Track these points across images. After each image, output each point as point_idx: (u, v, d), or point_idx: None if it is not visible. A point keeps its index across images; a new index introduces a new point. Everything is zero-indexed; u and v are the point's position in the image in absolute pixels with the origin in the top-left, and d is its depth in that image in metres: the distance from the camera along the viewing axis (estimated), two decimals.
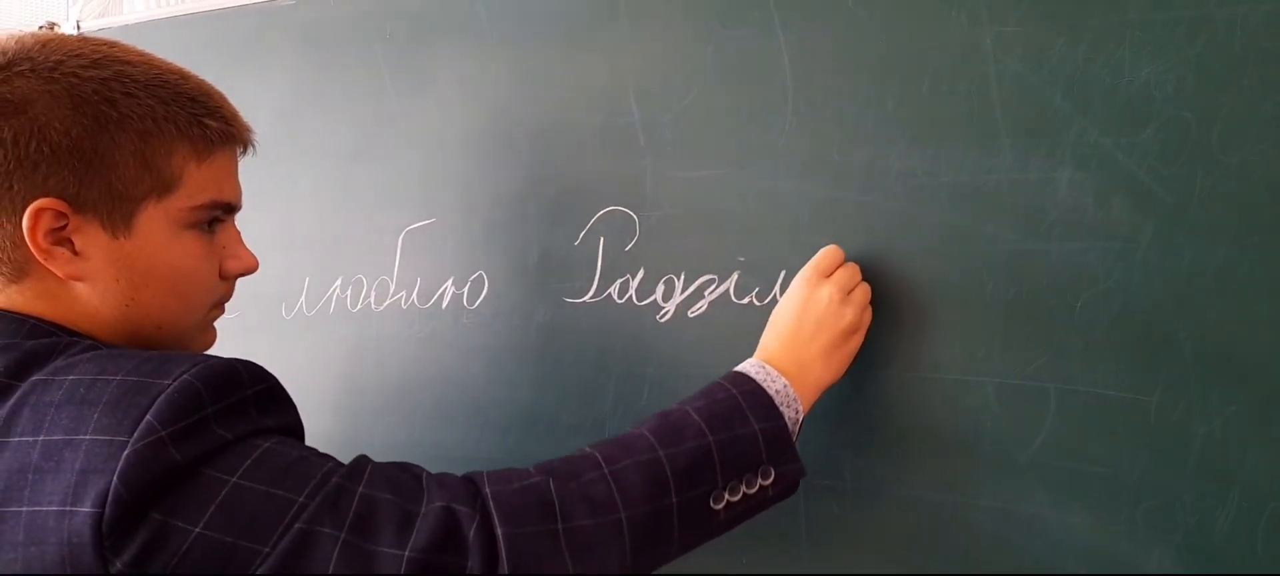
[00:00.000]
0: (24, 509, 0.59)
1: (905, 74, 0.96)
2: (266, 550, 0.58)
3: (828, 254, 0.95)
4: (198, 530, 0.58)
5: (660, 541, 0.76)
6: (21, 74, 0.65)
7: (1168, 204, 0.85)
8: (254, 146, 0.81)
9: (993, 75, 0.92)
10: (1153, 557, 0.89)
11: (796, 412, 0.86)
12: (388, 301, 1.29)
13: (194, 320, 0.80)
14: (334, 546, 0.60)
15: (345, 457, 0.71)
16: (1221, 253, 0.84)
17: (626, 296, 1.16)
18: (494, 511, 0.68)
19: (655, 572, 0.79)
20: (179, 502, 0.58)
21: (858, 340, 0.95)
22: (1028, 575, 0.95)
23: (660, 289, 1.15)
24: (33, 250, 0.67)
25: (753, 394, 0.84)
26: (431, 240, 1.27)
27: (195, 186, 0.73)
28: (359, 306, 1.31)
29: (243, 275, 0.83)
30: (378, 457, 0.72)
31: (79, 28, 1.58)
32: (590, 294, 1.18)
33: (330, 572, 0.60)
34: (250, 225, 0.85)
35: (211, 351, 0.81)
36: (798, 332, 0.91)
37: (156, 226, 0.72)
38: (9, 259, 0.67)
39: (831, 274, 0.94)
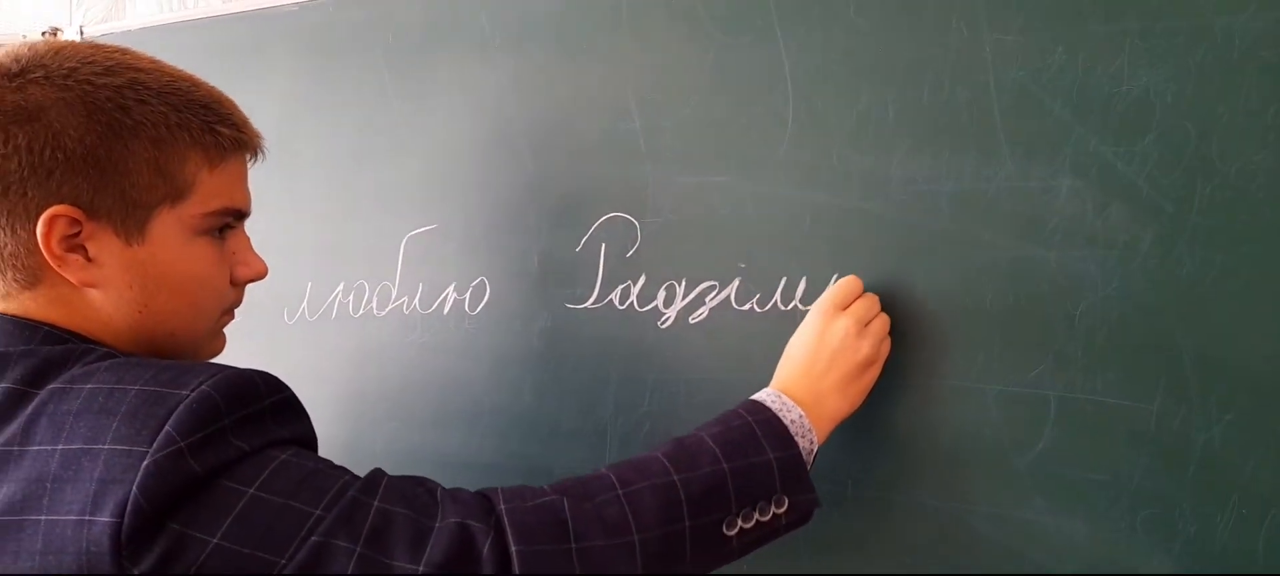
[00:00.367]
0: (42, 518, 0.59)
1: (905, 82, 0.97)
2: (283, 561, 0.59)
3: (845, 285, 0.95)
4: (215, 541, 0.58)
5: (672, 565, 0.76)
6: (35, 81, 0.65)
7: (1167, 212, 0.86)
8: (264, 153, 0.82)
9: (992, 83, 0.92)
10: (1152, 565, 0.89)
11: (811, 443, 0.87)
12: (389, 307, 1.30)
13: (206, 326, 0.81)
14: (349, 559, 0.60)
15: (349, 463, 0.71)
16: (1220, 261, 0.84)
17: (628, 302, 1.16)
18: (508, 528, 0.68)
19: None
20: (197, 513, 0.58)
21: (874, 372, 0.95)
22: None
23: (661, 295, 1.15)
24: (47, 257, 0.67)
25: (768, 422, 0.85)
26: (433, 246, 1.27)
27: (208, 193, 0.74)
28: (361, 311, 1.31)
29: (253, 281, 0.84)
30: (380, 463, 0.72)
31: (82, 33, 1.58)
32: (591, 300, 1.18)
33: None
34: (253, 230, 0.86)
35: (221, 359, 0.82)
36: (813, 364, 0.91)
37: (169, 233, 0.73)
38: (23, 265, 0.67)
39: (849, 305, 0.94)
